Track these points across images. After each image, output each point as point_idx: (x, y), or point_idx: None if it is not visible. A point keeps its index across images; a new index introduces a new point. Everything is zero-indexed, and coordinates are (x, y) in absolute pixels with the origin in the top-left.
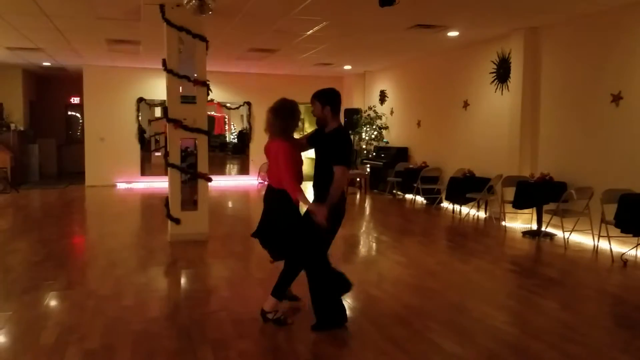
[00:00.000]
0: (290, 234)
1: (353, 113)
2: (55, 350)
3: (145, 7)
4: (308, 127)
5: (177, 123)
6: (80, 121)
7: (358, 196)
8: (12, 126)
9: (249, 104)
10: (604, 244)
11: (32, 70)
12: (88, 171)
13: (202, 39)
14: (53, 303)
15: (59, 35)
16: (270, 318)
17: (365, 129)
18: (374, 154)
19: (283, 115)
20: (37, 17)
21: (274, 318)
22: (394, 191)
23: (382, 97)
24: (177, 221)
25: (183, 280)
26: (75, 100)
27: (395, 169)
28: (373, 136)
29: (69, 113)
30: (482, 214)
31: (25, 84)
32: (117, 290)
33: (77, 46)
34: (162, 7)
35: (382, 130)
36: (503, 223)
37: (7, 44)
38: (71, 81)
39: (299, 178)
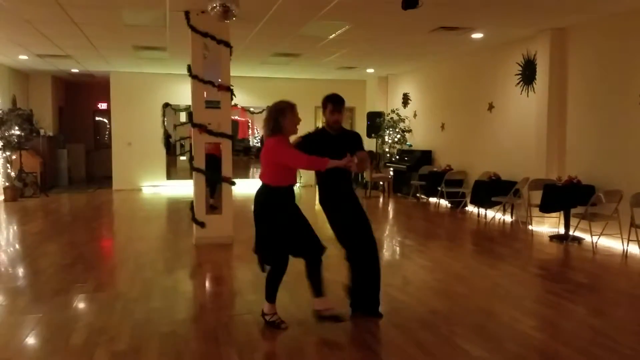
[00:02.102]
0: (274, 228)
1: (376, 116)
2: (85, 351)
3: (171, 14)
4: None
5: (202, 128)
6: (108, 126)
7: (381, 199)
8: (42, 132)
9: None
10: (633, 248)
11: (61, 77)
12: (115, 175)
13: (227, 44)
14: (82, 305)
15: (87, 42)
16: (267, 320)
17: (388, 132)
18: (397, 157)
19: (273, 114)
20: (66, 25)
21: (270, 320)
22: (418, 195)
23: (405, 100)
24: (202, 224)
25: (209, 283)
26: (102, 106)
27: (419, 172)
28: (396, 139)
29: (97, 119)
30: (508, 218)
31: (55, 91)
32: (144, 292)
33: (104, 53)
34: (187, 13)
35: (405, 133)
36: (530, 227)
37: (37, 51)
38: (99, 87)
39: (292, 179)
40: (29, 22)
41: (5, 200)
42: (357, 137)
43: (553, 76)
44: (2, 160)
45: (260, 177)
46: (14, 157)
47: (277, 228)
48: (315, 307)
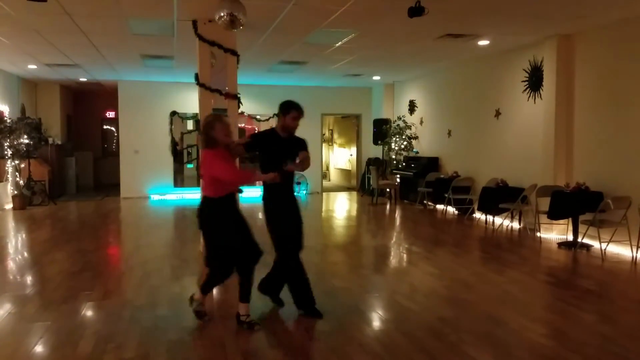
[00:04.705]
0: (224, 238)
1: (382, 123)
2: (92, 359)
3: (178, 23)
4: (338, 137)
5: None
6: (116, 135)
7: (388, 206)
8: (50, 140)
9: (278, 115)
10: None
11: (69, 86)
12: (123, 183)
13: (234, 53)
14: (90, 313)
15: (95, 51)
16: (243, 321)
17: (394, 139)
18: (404, 164)
19: (204, 129)
20: (74, 35)
21: (246, 321)
22: (425, 201)
23: (412, 107)
24: None
25: (216, 290)
26: (110, 114)
27: (425, 179)
28: (403, 146)
29: (105, 127)
30: (515, 225)
31: (63, 99)
32: (152, 300)
33: (112, 62)
34: (194, 22)
35: (411, 140)
36: (538, 234)
37: (46, 60)
38: (107, 96)
39: (231, 187)
40: (37, 32)
41: (14, 208)
42: (303, 141)
43: (560, 82)
44: (11, 168)
45: (202, 190)
46: (22, 165)
47: (223, 238)
48: (240, 311)
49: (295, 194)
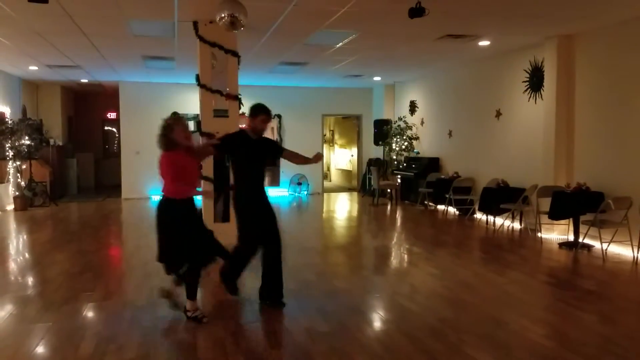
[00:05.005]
0: (177, 236)
1: (383, 124)
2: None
3: (179, 25)
4: (338, 138)
5: (210, 136)
6: (117, 136)
7: (389, 207)
8: (52, 141)
9: (279, 116)
10: None
11: (70, 87)
12: (124, 184)
13: (235, 54)
14: (91, 314)
15: (96, 52)
16: (189, 316)
17: (395, 139)
18: (405, 164)
19: (161, 132)
20: (75, 36)
21: (192, 316)
22: (426, 202)
23: (412, 107)
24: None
25: (216, 291)
26: (111, 115)
27: (426, 180)
28: (403, 147)
29: (106, 128)
30: (516, 225)
31: (64, 100)
32: (153, 300)
33: (113, 63)
34: (195, 24)
35: (412, 140)
36: (539, 234)
37: (47, 62)
38: (107, 97)
39: (191, 182)
40: (38, 33)
41: (15, 209)
42: (273, 142)
43: (560, 83)
44: (13, 169)
45: (162, 190)
46: (24, 166)
47: (175, 237)
48: (187, 307)
49: (267, 195)
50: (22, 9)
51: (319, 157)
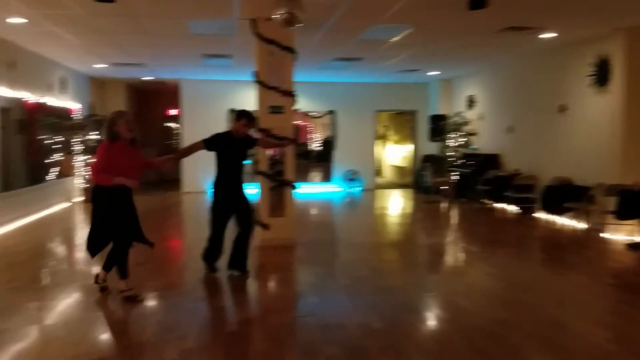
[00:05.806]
0: (106, 221)
1: (439, 119)
2: (155, 347)
3: (238, 22)
4: (393, 134)
5: (266, 132)
6: (177, 132)
7: (444, 204)
8: None
9: (332, 112)
10: None
11: (134, 85)
12: (184, 178)
13: (292, 50)
14: (153, 303)
15: (159, 51)
16: (125, 296)
17: (451, 135)
18: (461, 161)
19: (108, 124)
20: (140, 35)
21: (127, 295)
22: (483, 200)
23: (470, 102)
24: (265, 227)
25: (272, 284)
26: (172, 111)
27: (484, 177)
28: (460, 143)
29: (167, 124)
30: (580, 225)
31: (129, 97)
32: (211, 292)
33: (173, 61)
34: (253, 21)
35: (470, 136)
36: (604, 235)
37: (113, 60)
38: (168, 94)
39: (122, 172)
40: (105, 32)
41: (85, 201)
42: (253, 139)
43: (629, 76)
44: (80, 163)
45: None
46: (90, 160)
47: (102, 219)
48: (120, 287)
49: (242, 186)
50: (90, 8)
51: (291, 141)
